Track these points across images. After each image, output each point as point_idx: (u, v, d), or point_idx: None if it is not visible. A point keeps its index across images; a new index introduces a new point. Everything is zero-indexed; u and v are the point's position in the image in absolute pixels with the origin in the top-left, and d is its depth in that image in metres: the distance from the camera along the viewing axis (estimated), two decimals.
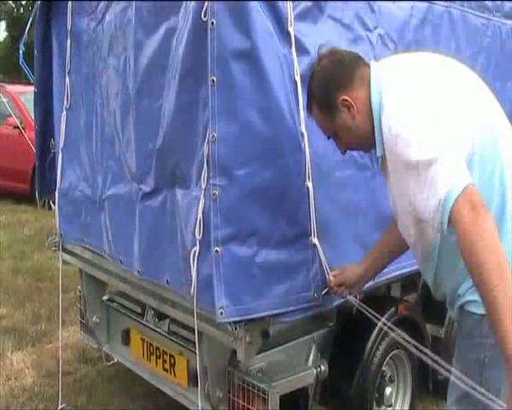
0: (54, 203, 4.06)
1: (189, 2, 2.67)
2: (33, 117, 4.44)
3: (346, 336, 3.06)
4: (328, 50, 2.47)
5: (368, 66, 2.39)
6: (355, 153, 2.89)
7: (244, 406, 2.96)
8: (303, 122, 2.62)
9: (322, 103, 2.42)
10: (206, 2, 2.50)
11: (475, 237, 1.91)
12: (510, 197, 2.22)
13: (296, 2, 2.69)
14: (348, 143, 2.48)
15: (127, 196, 3.32)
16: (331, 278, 2.74)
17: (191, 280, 2.69)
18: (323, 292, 2.75)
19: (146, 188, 3.14)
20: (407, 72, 2.31)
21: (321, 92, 2.41)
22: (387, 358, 3.51)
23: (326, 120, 2.45)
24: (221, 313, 2.56)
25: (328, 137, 2.53)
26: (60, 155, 3.92)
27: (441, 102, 2.18)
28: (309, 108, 2.53)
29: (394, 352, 3.57)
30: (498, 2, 3.88)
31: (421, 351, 2.42)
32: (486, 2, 3.81)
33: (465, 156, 2.12)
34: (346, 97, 2.33)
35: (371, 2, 3.06)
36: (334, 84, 2.36)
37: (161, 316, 3.56)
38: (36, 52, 4.06)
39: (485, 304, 1.93)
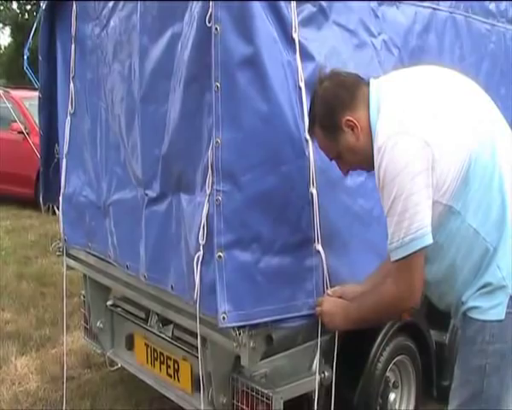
0: (58, 208, 4.06)
1: (193, 8, 2.67)
2: (38, 122, 4.44)
3: (350, 342, 3.05)
4: (328, 72, 2.47)
5: (367, 85, 2.40)
6: None
7: None
8: (307, 128, 2.62)
9: (326, 125, 2.42)
10: (210, 9, 2.50)
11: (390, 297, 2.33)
12: (510, 203, 2.23)
13: (300, 8, 2.70)
14: (351, 164, 2.50)
15: (133, 201, 3.32)
16: (329, 292, 2.74)
17: (194, 285, 2.70)
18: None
19: (152, 193, 3.15)
20: (404, 89, 2.35)
21: (324, 114, 2.41)
22: (391, 364, 3.50)
23: (329, 142, 2.46)
24: (223, 318, 2.56)
25: (331, 159, 2.53)
26: (64, 161, 3.92)
27: (435, 117, 2.23)
28: (311, 131, 2.53)
29: (398, 358, 3.57)
30: (503, 8, 3.88)
31: None
32: (491, 8, 3.80)
33: (461, 165, 2.19)
34: (350, 118, 2.34)
35: (375, 8, 3.06)
36: (337, 106, 2.37)
37: (165, 321, 3.56)
38: (40, 58, 4.06)
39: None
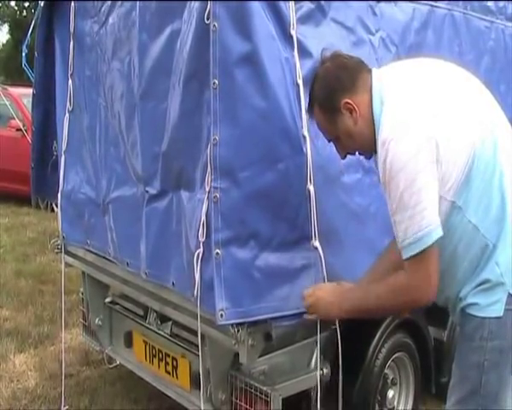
0: (56, 206, 4.06)
1: (192, 5, 2.67)
2: (31, 118, 4.41)
3: (348, 339, 3.06)
4: (331, 54, 2.46)
5: (369, 71, 2.39)
6: (361, 157, 2.90)
7: (247, 408, 2.96)
8: (305, 125, 2.62)
9: (325, 106, 2.41)
10: (208, 6, 2.50)
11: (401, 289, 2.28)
12: (510, 199, 2.23)
13: (298, 5, 2.70)
14: (349, 147, 2.48)
15: (133, 198, 3.32)
16: None
17: (195, 282, 2.70)
18: None
19: (152, 190, 3.14)
20: (408, 81, 2.33)
21: (324, 95, 2.40)
22: (390, 361, 3.51)
23: (328, 123, 2.45)
24: (221, 316, 2.56)
25: (329, 141, 2.53)
26: (62, 158, 3.92)
27: (440, 112, 2.21)
28: (310, 110, 2.52)
29: (397, 355, 3.57)
30: (501, 5, 3.88)
31: None
32: (489, 4, 3.80)
33: (465, 161, 2.18)
34: (349, 101, 2.33)
35: (373, 5, 3.06)
36: (337, 87, 2.35)
37: (164, 318, 3.57)
38: (36, 54, 4.05)
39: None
